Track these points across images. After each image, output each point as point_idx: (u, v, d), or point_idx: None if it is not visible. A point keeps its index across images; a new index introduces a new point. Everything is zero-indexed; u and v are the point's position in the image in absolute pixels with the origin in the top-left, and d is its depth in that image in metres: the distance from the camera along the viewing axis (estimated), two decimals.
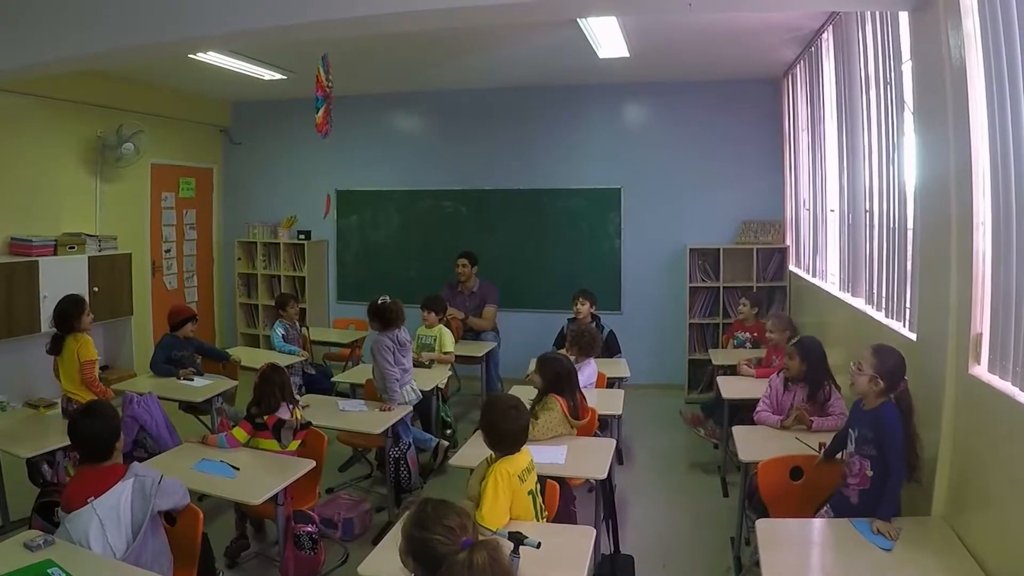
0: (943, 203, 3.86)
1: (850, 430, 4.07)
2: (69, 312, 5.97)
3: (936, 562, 3.34)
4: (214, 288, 11.35)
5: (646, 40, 7.17)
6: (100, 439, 3.62)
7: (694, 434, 7.17)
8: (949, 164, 3.76)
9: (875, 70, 5.43)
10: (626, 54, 7.53)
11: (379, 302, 6.26)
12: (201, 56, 7.39)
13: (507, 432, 3.78)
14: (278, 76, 8.77)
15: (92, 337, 6.09)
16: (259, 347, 10.01)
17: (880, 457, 3.80)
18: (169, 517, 3.80)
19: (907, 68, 4.69)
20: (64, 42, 5.54)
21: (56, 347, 5.98)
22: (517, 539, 3.01)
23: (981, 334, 3.56)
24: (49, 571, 3.07)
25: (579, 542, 3.51)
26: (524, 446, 3.86)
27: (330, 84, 6.34)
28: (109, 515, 3.38)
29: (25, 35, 5.66)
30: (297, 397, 5.65)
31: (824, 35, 6.90)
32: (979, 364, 3.56)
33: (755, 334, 7.74)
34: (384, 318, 6.19)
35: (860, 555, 3.41)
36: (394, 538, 3.45)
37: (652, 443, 7.58)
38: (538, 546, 3.03)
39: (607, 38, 6.95)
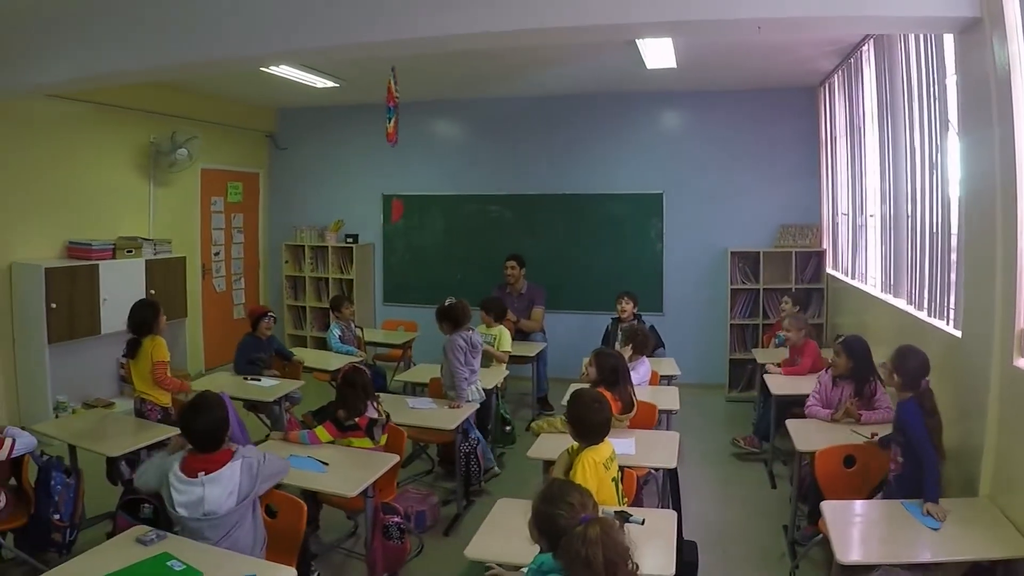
0: (988, 211, 4.14)
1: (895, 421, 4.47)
2: (146, 316, 6.14)
3: (985, 536, 3.68)
4: (260, 290, 11.68)
5: (693, 52, 7.44)
6: (210, 432, 3.77)
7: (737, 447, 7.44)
8: (994, 174, 4.05)
9: (918, 84, 5.68)
10: (673, 65, 7.82)
11: (446, 304, 6.57)
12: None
13: (593, 424, 4.08)
14: (331, 84, 9.06)
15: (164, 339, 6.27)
16: (307, 348, 10.29)
17: (907, 445, 4.21)
18: (269, 510, 4.04)
19: (950, 82, 4.97)
20: (142, 55, 5.82)
21: (132, 351, 6.12)
22: (623, 517, 3.32)
23: None
24: (168, 563, 3.28)
25: (665, 523, 3.80)
26: (606, 437, 4.17)
27: (398, 95, 6.64)
28: (214, 493, 3.60)
29: (101, 47, 5.96)
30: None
31: (864, 48, 7.17)
32: (1023, 357, 3.86)
33: (791, 344, 7.96)
34: (453, 318, 6.49)
35: (915, 531, 3.75)
36: (497, 521, 3.83)
37: (697, 439, 7.83)
38: (642, 523, 3.34)
39: (657, 51, 7.24)
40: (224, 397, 5.89)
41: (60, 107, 7.98)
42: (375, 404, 5.29)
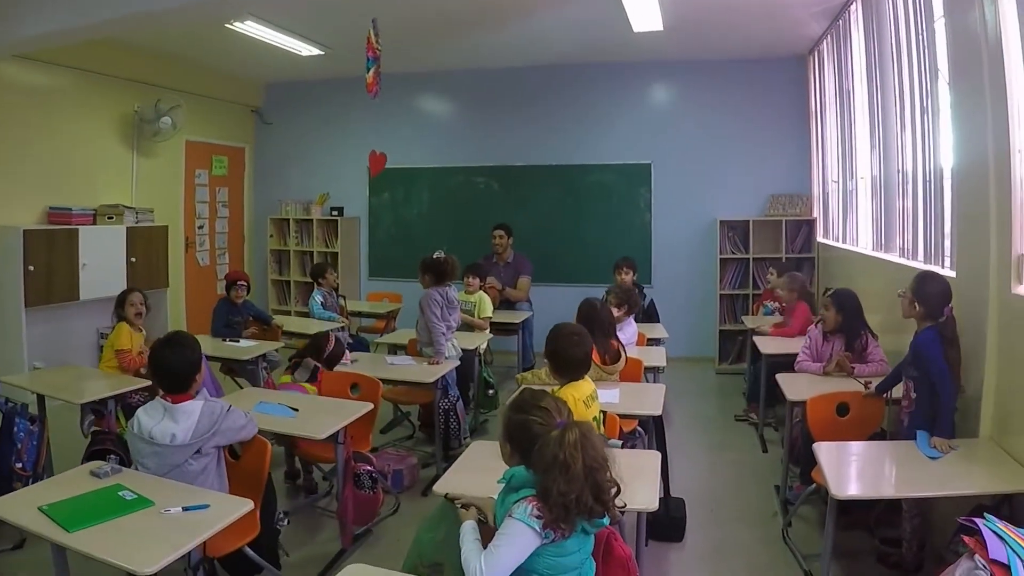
0: (980, 136, 4.00)
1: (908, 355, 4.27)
2: (119, 299, 6.07)
3: (987, 472, 3.52)
4: (245, 265, 11.47)
5: (680, 12, 7.29)
6: (181, 371, 3.59)
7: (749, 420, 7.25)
8: (986, 119, 3.91)
9: (906, 32, 5.57)
10: (660, 27, 7.64)
11: (433, 256, 6.38)
12: (240, 27, 7.58)
13: (572, 358, 3.92)
14: (316, 52, 8.90)
15: (136, 328, 6.08)
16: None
17: (922, 378, 4.02)
18: (233, 452, 3.89)
19: (939, 26, 4.82)
20: (97, 8, 5.64)
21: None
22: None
23: (1023, 256, 3.69)
24: (120, 493, 3.17)
25: (649, 461, 3.64)
26: (587, 376, 4.00)
27: (379, 47, 6.48)
28: (168, 424, 3.47)
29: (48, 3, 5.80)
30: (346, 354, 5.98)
31: (852, 7, 7.07)
32: (1022, 284, 3.70)
33: (783, 303, 7.84)
34: (437, 272, 6.31)
35: (912, 469, 3.59)
36: (469, 461, 3.71)
37: (688, 410, 7.73)
38: (622, 446, 3.18)
39: (642, 9, 7.05)
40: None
41: (44, 73, 7.92)
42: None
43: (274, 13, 7.38)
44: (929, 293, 4.08)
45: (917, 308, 4.10)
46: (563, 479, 2.42)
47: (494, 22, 8.09)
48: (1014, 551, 2.33)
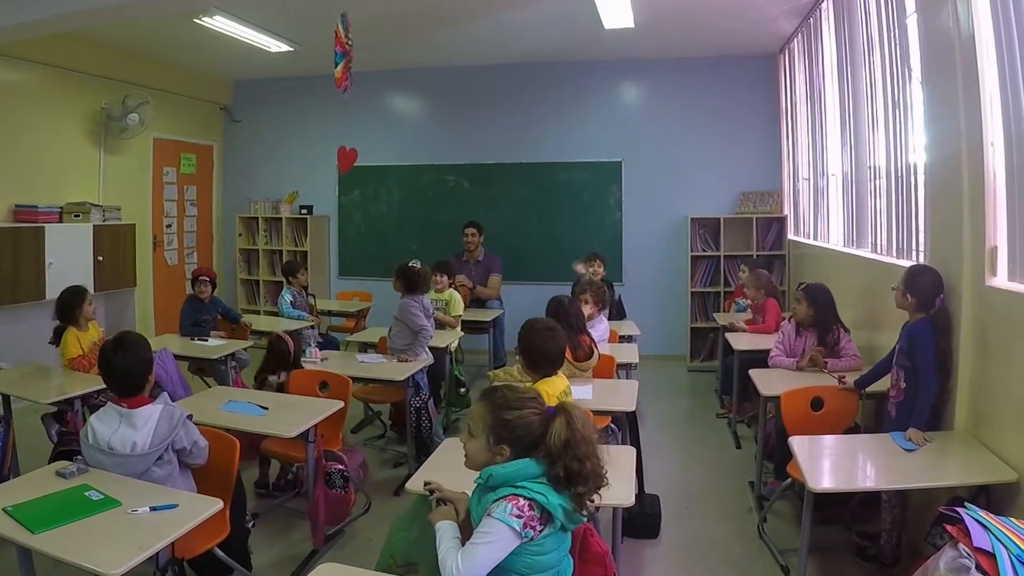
0: (953, 130, 3.99)
1: (896, 346, 4.27)
2: (70, 302, 5.76)
3: (964, 464, 3.54)
4: (214, 264, 11.32)
5: (651, 10, 7.28)
6: (132, 372, 3.50)
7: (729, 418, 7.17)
8: (959, 112, 3.92)
9: (878, 31, 5.58)
10: (631, 24, 7.62)
11: (409, 264, 6.34)
12: (209, 23, 7.47)
13: (546, 353, 3.88)
14: (285, 48, 8.79)
15: (82, 327, 5.86)
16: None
17: (912, 369, 4.02)
18: None
19: (911, 22, 4.83)
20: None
21: (57, 339, 5.80)
22: None
23: (996, 247, 3.70)
24: (86, 493, 3.11)
25: (624, 457, 3.62)
26: (560, 372, 3.96)
27: (349, 42, 6.40)
28: (126, 431, 3.37)
29: None
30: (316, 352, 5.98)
31: (823, 4, 7.09)
32: (995, 276, 3.71)
33: (753, 301, 7.85)
34: (409, 281, 6.27)
35: (888, 461, 3.60)
36: (441, 458, 3.65)
37: (661, 408, 7.72)
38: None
39: (614, 6, 7.03)
40: (166, 353, 5.75)
41: (9, 69, 7.78)
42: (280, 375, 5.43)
43: (243, 8, 7.28)
44: (921, 285, 4.11)
45: (909, 299, 4.14)
46: (592, 453, 2.47)
47: (464, 19, 8.01)
48: (998, 539, 2.32)
